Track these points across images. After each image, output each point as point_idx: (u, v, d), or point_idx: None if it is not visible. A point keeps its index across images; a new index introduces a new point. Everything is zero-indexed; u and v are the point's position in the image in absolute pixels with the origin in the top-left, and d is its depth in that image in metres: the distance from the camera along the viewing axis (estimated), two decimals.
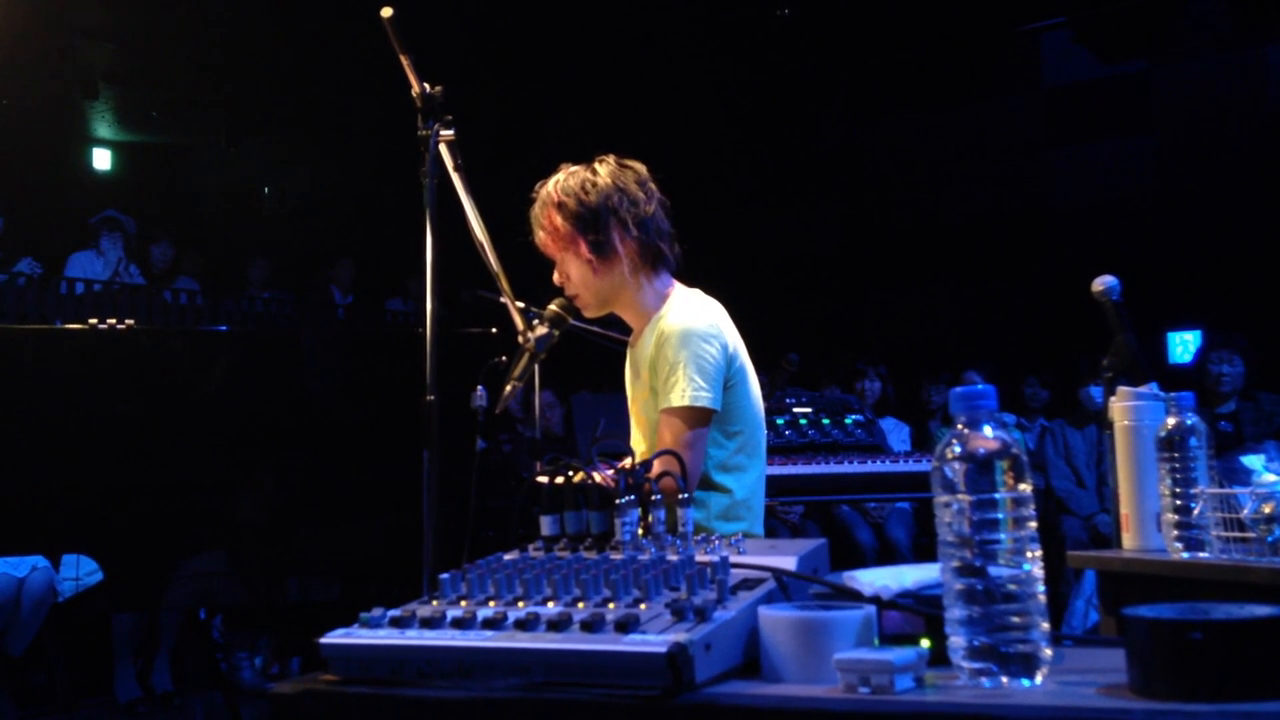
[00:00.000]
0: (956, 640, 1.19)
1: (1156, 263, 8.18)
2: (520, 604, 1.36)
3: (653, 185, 2.67)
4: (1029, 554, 1.19)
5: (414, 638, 1.30)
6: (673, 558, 1.48)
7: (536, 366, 2.64)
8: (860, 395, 6.47)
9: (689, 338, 2.52)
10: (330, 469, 3.17)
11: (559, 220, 2.62)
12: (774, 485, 2.84)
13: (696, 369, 2.50)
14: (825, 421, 5.34)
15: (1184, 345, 8.71)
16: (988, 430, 1.21)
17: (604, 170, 2.64)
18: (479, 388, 2.44)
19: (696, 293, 2.71)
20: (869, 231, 9.90)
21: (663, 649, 1.17)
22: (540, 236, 2.67)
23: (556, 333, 2.63)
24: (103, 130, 10.85)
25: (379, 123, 5.67)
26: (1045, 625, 1.18)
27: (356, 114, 8.97)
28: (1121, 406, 2.48)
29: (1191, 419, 2.22)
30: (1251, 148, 8.54)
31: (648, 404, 2.62)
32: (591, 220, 2.59)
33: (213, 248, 9.42)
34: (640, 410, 2.68)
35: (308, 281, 9.39)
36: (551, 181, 2.67)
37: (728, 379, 2.57)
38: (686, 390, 2.49)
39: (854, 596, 1.33)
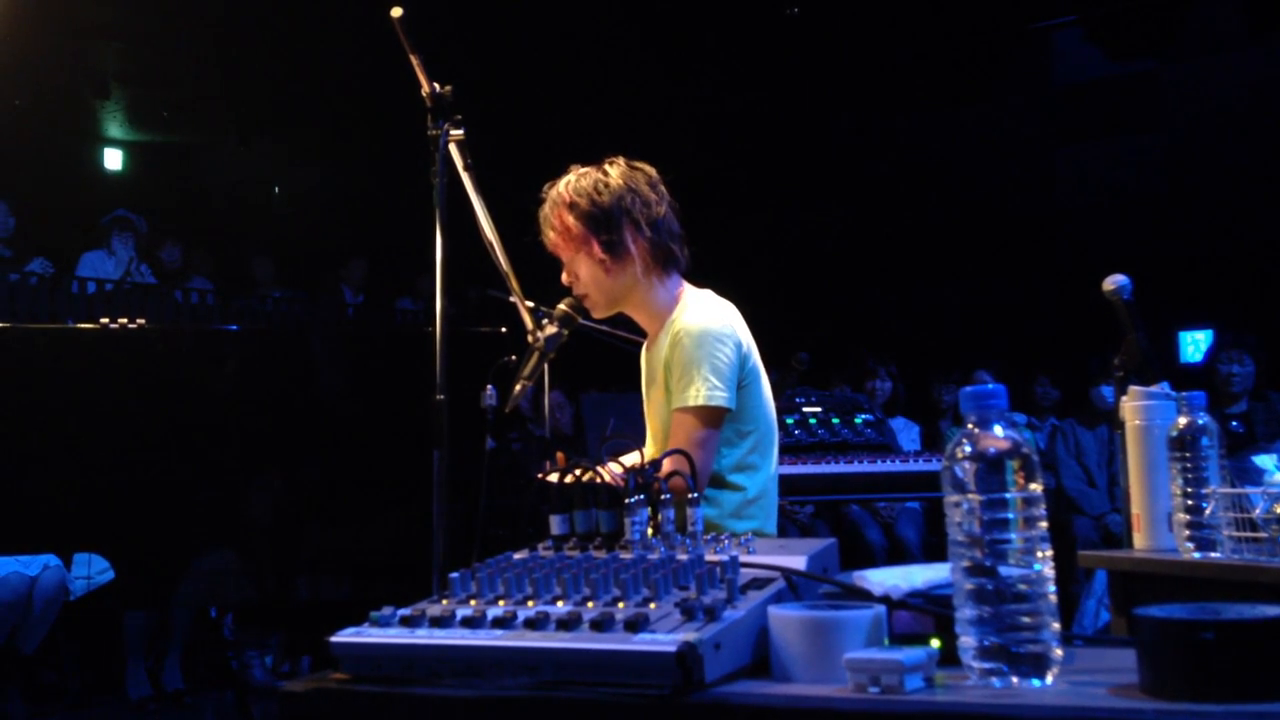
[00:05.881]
0: (967, 640, 1.19)
1: (1167, 262, 8.16)
2: (530, 603, 1.36)
3: (663, 187, 2.68)
4: (1040, 554, 1.18)
5: (424, 636, 1.30)
6: (682, 557, 1.48)
7: (546, 366, 2.64)
8: (870, 394, 6.46)
9: (705, 338, 2.53)
10: (340, 468, 3.17)
11: (571, 220, 2.62)
12: (783, 484, 2.84)
13: (711, 369, 2.51)
14: (835, 421, 5.33)
15: (1195, 345, 8.70)
16: (998, 429, 1.20)
17: (615, 171, 2.64)
18: (489, 387, 2.45)
19: (708, 293, 2.72)
20: (879, 230, 9.89)
21: (672, 648, 1.17)
22: (551, 237, 2.67)
23: (566, 332, 2.63)
24: (114, 130, 10.89)
25: (389, 122, 5.68)
26: (1056, 625, 1.18)
27: (367, 114, 8.99)
28: (1133, 406, 2.47)
29: (1203, 418, 2.21)
30: (1262, 146, 8.51)
31: (663, 404, 2.63)
32: (604, 220, 2.60)
33: (224, 247, 9.45)
34: (656, 411, 2.69)
35: (318, 281, 9.42)
36: (562, 182, 2.66)
37: (741, 379, 2.58)
38: (701, 390, 2.50)
39: (864, 596, 1.33)
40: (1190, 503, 2.21)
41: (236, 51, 8.51)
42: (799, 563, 1.47)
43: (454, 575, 1.45)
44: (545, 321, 2.64)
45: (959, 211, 9.71)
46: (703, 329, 2.54)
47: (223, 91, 9.32)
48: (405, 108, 2.80)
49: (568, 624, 1.26)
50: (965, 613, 1.19)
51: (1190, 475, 2.20)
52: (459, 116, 2.50)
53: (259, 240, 9.68)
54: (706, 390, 2.50)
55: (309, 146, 10.34)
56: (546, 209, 2.67)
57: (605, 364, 3.02)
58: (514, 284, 2.71)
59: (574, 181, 2.65)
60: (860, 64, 9.46)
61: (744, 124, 9.69)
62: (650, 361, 2.74)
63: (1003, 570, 1.17)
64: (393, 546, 3.07)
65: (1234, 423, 5.38)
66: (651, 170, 2.69)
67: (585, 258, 2.64)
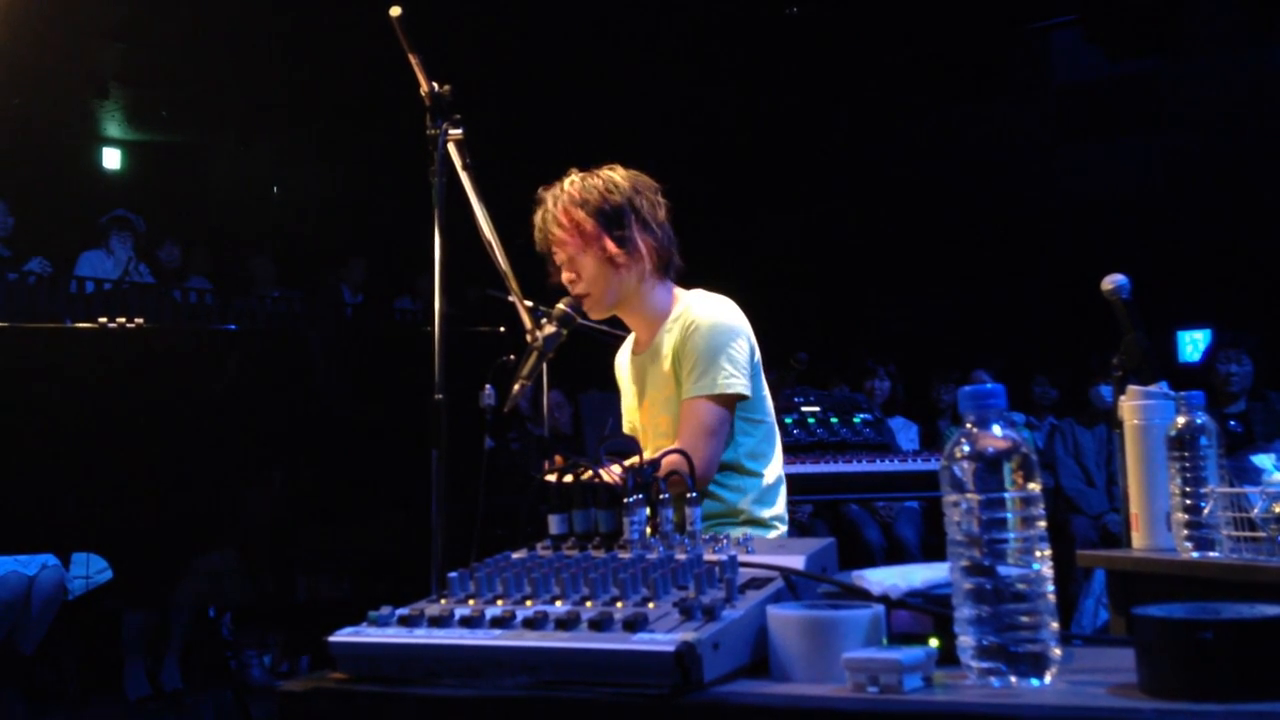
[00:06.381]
0: (965, 639, 1.19)
1: (1166, 261, 8.17)
2: (528, 603, 1.36)
3: (661, 197, 2.74)
4: (1038, 553, 1.18)
5: (422, 636, 1.30)
6: (681, 556, 1.48)
7: (545, 365, 2.64)
8: (869, 394, 6.46)
9: (720, 329, 2.60)
10: (339, 467, 3.17)
11: (581, 216, 2.64)
12: None
13: (727, 358, 2.58)
14: (834, 420, 5.33)
15: (1194, 344, 8.71)
16: (997, 429, 1.20)
17: (620, 174, 2.71)
18: (487, 386, 2.45)
19: (700, 291, 2.76)
20: (878, 230, 9.89)
21: (671, 648, 1.17)
22: (556, 234, 2.68)
23: (565, 331, 2.64)
24: (113, 130, 10.89)
25: (388, 122, 5.68)
26: (1054, 624, 1.18)
27: (366, 113, 8.98)
28: (1131, 405, 2.47)
29: (1201, 418, 2.21)
30: (1261, 147, 8.51)
31: (671, 400, 2.67)
32: (616, 217, 2.64)
33: (222, 247, 9.44)
34: (662, 408, 2.71)
35: (317, 280, 9.42)
36: (566, 182, 2.70)
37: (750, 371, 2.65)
38: (717, 378, 2.56)
39: (862, 596, 1.33)
40: (1189, 502, 2.21)
41: (236, 51, 8.50)
42: (797, 562, 1.47)
43: (452, 575, 1.45)
44: (544, 321, 2.65)
45: (958, 211, 9.71)
46: (717, 321, 2.62)
47: (222, 91, 9.31)
48: (404, 107, 2.80)
49: (566, 624, 1.26)
50: (964, 612, 1.19)
51: (1189, 475, 2.20)
52: (458, 116, 2.50)
53: (258, 240, 9.68)
54: (723, 378, 2.56)
55: (308, 146, 10.34)
56: (550, 207, 2.68)
57: (604, 363, 3.02)
58: (513, 283, 2.71)
59: (580, 181, 2.69)
60: (860, 64, 9.45)
61: (743, 124, 9.68)
62: (643, 365, 2.77)
63: (1001, 570, 1.17)
64: (391, 546, 3.07)
65: (1232, 422, 5.38)
66: (650, 180, 2.75)
67: (594, 254, 2.65)
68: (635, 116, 8.81)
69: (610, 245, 2.64)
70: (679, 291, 2.76)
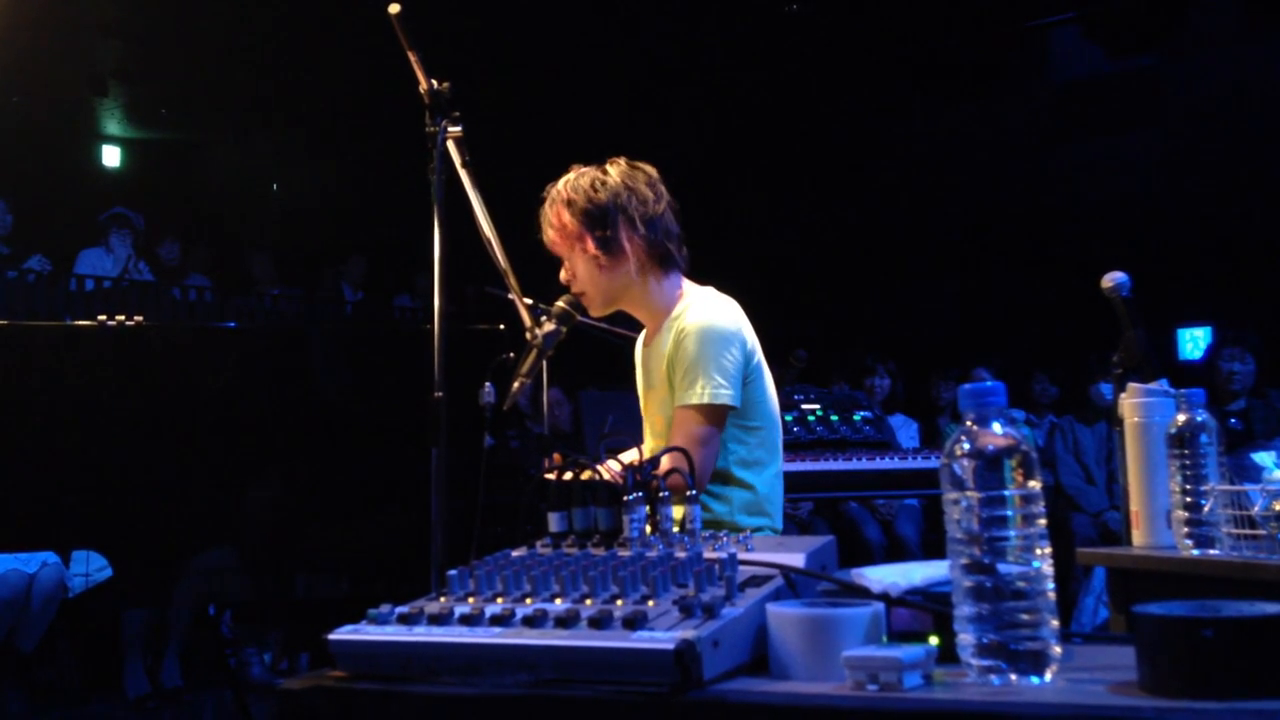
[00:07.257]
0: (965, 637, 1.19)
1: (1166, 259, 8.16)
2: (528, 601, 1.36)
3: (663, 187, 2.70)
4: (1038, 551, 1.18)
5: (422, 634, 1.30)
6: (680, 555, 1.47)
7: (544, 363, 2.64)
8: (869, 392, 6.46)
9: (709, 335, 2.55)
10: (338, 465, 3.17)
11: (567, 217, 2.64)
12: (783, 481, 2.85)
13: (717, 367, 2.53)
14: (834, 418, 5.33)
15: (1194, 342, 8.71)
16: (997, 427, 1.20)
17: (614, 171, 2.67)
18: (487, 384, 2.44)
19: (710, 290, 2.73)
20: (878, 227, 9.88)
21: (670, 646, 1.17)
22: (549, 234, 2.69)
23: (564, 329, 2.64)
24: (112, 127, 10.88)
25: (387, 119, 5.68)
26: (1054, 622, 1.18)
27: (365, 111, 8.98)
28: (1131, 403, 2.47)
29: (1202, 415, 2.21)
30: (1261, 143, 8.51)
31: (665, 402, 2.65)
32: (600, 217, 2.62)
33: (222, 244, 9.45)
34: (658, 408, 2.70)
35: (317, 278, 9.42)
36: (562, 181, 2.70)
37: (746, 375, 2.61)
38: (706, 387, 2.52)
39: (862, 593, 1.33)
40: (1189, 500, 2.21)
41: (235, 48, 8.50)
42: (797, 560, 1.47)
43: (452, 573, 1.44)
44: (543, 319, 2.65)
45: (958, 209, 9.71)
46: (707, 326, 2.56)
47: (221, 89, 9.31)
48: (403, 105, 2.80)
49: (566, 621, 1.26)
50: (964, 610, 1.19)
51: (1189, 472, 2.20)
52: (457, 113, 2.50)
53: (257, 237, 9.69)
54: (711, 388, 2.52)
55: (307, 144, 10.33)
56: (546, 206, 2.69)
57: (604, 361, 3.02)
58: (512, 281, 2.71)
59: (572, 180, 2.68)
60: (859, 62, 9.44)
61: (743, 122, 9.68)
62: (648, 359, 2.76)
63: (1001, 567, 1.17)
64: (391, 544, 3.07)
65: (1232, 420, 5.38)
66: (652, 170, 2.71)
67: (581, 254, 2.66)
68: (635, 114, 8.81)
69: (591, 246, 2.63)
70: (688, 286, 2.72)
